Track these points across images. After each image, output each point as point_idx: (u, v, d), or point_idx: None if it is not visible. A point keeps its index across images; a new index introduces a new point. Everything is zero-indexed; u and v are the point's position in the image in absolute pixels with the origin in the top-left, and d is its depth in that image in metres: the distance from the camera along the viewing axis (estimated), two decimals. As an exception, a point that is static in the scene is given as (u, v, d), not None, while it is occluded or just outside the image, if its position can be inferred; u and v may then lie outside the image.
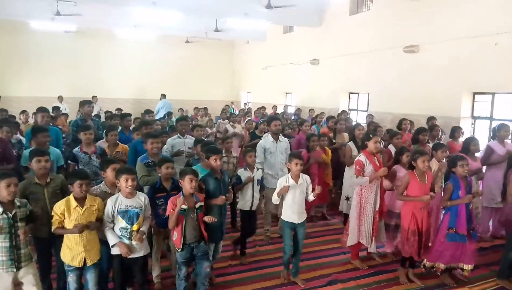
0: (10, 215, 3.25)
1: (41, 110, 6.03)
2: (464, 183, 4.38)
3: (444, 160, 5.20)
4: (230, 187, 4.55)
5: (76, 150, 5.16)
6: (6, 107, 9.41)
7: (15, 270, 3.30)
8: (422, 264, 4.57)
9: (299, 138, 6.71)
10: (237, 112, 12.51)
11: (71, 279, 3.52)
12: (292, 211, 4.42)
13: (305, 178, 4.47)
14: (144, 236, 3.68)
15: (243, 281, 4.56)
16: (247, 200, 4.96)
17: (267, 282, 4.53)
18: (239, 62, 20.79)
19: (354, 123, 7.54)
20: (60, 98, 15.04)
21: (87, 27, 16.09)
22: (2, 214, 3.23)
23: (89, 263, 3.51)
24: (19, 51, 16.86)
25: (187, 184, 3.76)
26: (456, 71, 8.61)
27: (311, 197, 4.44)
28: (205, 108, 12.09)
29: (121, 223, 3.58)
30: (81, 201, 3.47)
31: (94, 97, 14.79)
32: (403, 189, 4.45)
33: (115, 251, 3.63)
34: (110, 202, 3.59)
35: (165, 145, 5.77)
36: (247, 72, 19.76)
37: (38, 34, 16.32)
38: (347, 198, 6.03)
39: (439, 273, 4.53)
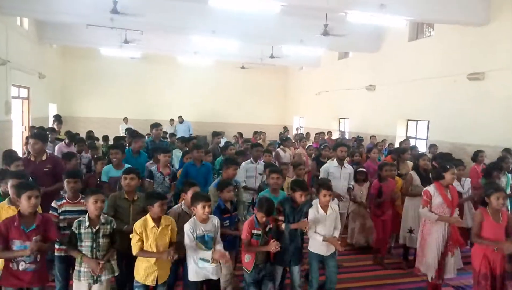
0: (94, 230, 3.51)
1: (138, 135, 6.54)
2: None
3: None
4: None
5: (153, 169, 5.46)
6: (74, 127, 10.27)
7: (92, 282, 3.51)
8: None
9: (367, 166, 6.50)
10: (289, 136, 12.49)
11: None
12: (321, 243, 4.24)
13: (333, 208, 4.34)
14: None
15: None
16: None
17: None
18: (293, 87, 21.02)
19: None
20: (126, 120, 16.06)
21: (151, 54, 17.23)
22: (87, 228, 3.50)
23: (160, 281, 3.64)
24: (89, 75, 18.31)
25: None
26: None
27: (336, 234, 4.28)
28: (264, 133, 12.20)
29: (199, 248, 3.67)
30: (157, 221, 3.61)
31: (171, 120, 15.83)
32: (478, 229, 4.06)
33: (193, 277, 3.70)
34: (189, 226, 3.67)
35: (239, 169, 5.83)
36: (301, 97, 19.91)
37: (106, 60, 17.64)
38: (410, 231, 5.69)
39: None
